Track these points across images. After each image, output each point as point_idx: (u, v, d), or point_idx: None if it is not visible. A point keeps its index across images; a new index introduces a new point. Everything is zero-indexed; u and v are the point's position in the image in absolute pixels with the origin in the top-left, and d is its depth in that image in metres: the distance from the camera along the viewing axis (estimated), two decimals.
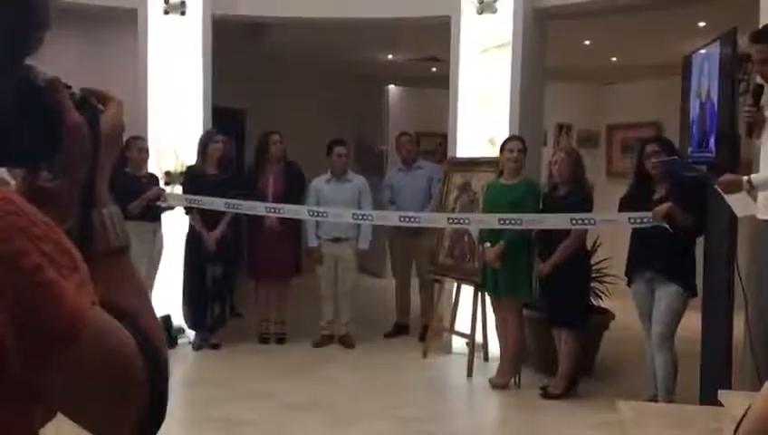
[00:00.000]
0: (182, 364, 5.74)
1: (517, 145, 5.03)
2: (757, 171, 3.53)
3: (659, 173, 4.35)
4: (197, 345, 5.88)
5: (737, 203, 3.54)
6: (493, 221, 4.93)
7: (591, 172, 6.86)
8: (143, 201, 5.46)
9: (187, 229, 5.82)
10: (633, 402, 3.98)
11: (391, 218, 5.78)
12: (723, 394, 3.39)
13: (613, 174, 8.51)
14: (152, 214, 5.58)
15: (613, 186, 7.34)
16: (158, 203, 5.59)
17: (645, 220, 4.30)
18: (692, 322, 4.42)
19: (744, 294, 3.85)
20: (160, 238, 5.70)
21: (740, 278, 3.85)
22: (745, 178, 3.35)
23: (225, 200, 5.48)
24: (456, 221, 5.34)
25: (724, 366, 3.92)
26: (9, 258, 0.67)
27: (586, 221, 4.66)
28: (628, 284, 4.55)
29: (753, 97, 3.47)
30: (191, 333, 5.95)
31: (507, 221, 4.81)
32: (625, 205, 4.59)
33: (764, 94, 3.52)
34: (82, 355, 0.71)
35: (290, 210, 5.60)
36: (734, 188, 3.40)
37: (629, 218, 4.41)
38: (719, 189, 3.53)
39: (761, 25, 3.83)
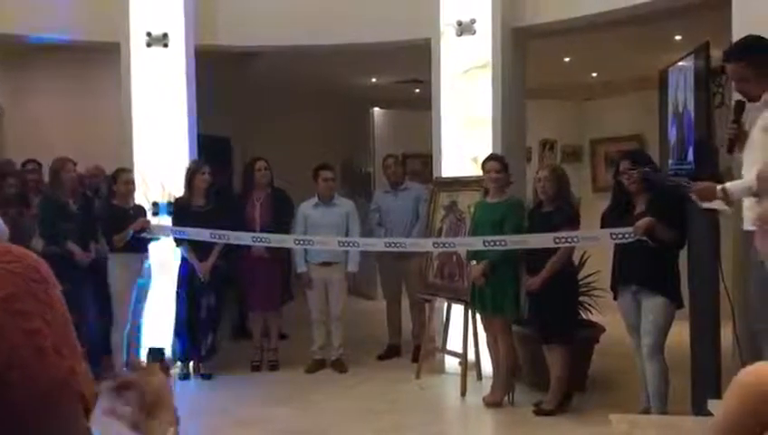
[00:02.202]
0: (174, 395, 5.71)
1: (494, 166, 5.07)
2: None
3: (636, 187, 4.39)
4: (188, 375, 5.85)
5: (709, 205, 3.58)
6: (478, 243, 4.96)
7: (577, 187, 6.93)
8: (127, 233, 5.47)
9: (178, 260, 5.82)
10: (626, 415, 3.98)
11: (377, 245, 5.80)
12: (713, 404, 3.41)
13: (599, 188, 8.58)
14: (139, 245, 5.59)
15: (599, 200, 7.38)
16: (144, 234, 5.60)
17: (626, 236, 4.34)
18: (681, 332, 4.45)
19: (731, 304, 3.89)
20: (148, 269, 5.70)
21: (725, 288, 3.89)
22: (719, 186, 3.39)
23: (210, 231, 5.50)
24: (442, 245, 5.38)
25: (713, 376, 3.95)
26: (13, 312, 0.71)
27: (569, 239, 4.70)
28: (614, 297, 4.58)
29: (735, 113, 3.52)
30: (180, 364, 5.93)
31: (492, 242, 4.85)
32: (606, 219, 4.62)
33: (745, 110, 3.56)
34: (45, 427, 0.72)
35: (276, 239, 5.63)
36: (709, 195, 3.44)
37: (611, 234, 4.44)
38: (694, 197, 3.57)
39: (734, 38, 3.90)
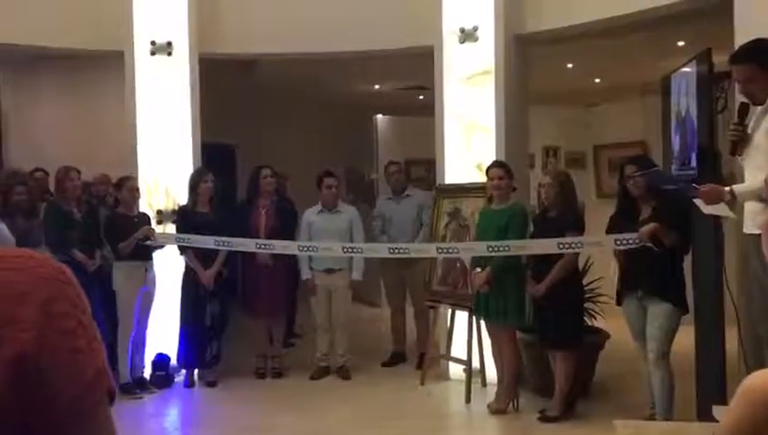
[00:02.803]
0: (179, 403, 5.72)
1: (498, 172, 5.07)
2: None
3: (642, 192, 4.40)
4: (192, 383, 5.86)
5: (712, 212, 3.58)
6: (482, 249, 4.96)
7: (581, 193, 6.92)
8: (133, 241, 5.49)
9: (182, 268, 5.83)
10: (631, 421, 3.98)
11: (381, 251, 5.81)
12: (718, 410, 3.40)
13: (603, 194, 8.57)
14: (144, 253, 5.60)
15: (603, 206, 7.37)
16: (149, 242, 5.62)
17: (631, 241, 4.34)
18: (686, 338, 4.44)
19: (735, 309, 3.88)
20: (153, 277, 5.71)
21: (730, 293, 3.89)
22: (727, 188, 3.39)
23: (214, 238, 5.52)
24: (445, 251, 5.38)
25: (718, 382, 3.94)
26: (51, 315, 0.73)
27: (573, 245, 4.69)
28: (618, 303, 4.58)
29: (739, 116, 3.52)
30: (184, 372, 5.94)
31: (496, 248, 4.85)
32: (613, 223, 4.62)
33: (748, 114, 3.57)
34: (84, 424, 0.74)
35: (280, 246, 5.64)
36: (716, 198, 3.44)
37: (615, 240, 4.44)
38: (699, 200, 3.56)
39: (736, 44, 3.91)
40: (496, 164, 5.20)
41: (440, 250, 5.43)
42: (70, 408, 0.73)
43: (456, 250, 5.33)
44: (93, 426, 0.76)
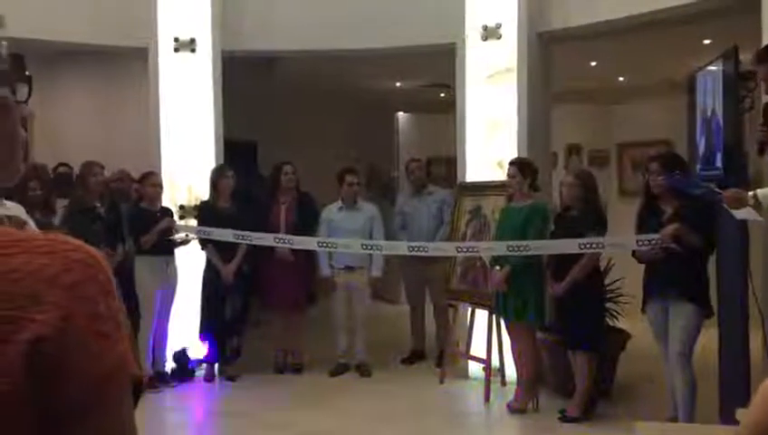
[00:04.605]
0: (199, 397, 5.76)
1: (510, 170, 5.05)
2: None
3: (664, 192, 4.34)
4: (213, 377, 5.90)
5: (742, 217, 3.53)
6: (501, 248, 4.93)
7: (603, 191, 6.86)
8: (156, 233, 5.53)
9: (203, 263, 5.87)
10: (653, 423, 3.94)
11: (400, 248, 5.80)
12: (741, 413, 3.35)
13: (625, 192, 8.50)
14: (165, 247, 5.65)
15: (625, 204, 7.33)
16: (172, 237, 5.66)
17: (653, 242, 4.28)
18: (710, 340, 4.38)
19: (760, 311, 3.83)
20: (174, 271, 5.76)
21: (755, 295, 3.83)
22: (751, 193, 3.34)
23: (233, 232, 5.55)
24: (465, 250, 5.36)
25: (742, 384, 3.89)
26: (79, 298, 0.74)
27: (594, 245, 4.65)
28: (642, 310, 4.51)
29: (764, 116, 3.47)
30: (205, 366, 5.98)
31: (516, 248, 4.82)
32: (641, 220, 4.54)
33: None
34: (102, 412, 0.75)
35: (299, 241, 5.65)
36: (740, 203, 3.39)
37: (638, 241, 4.39)
38: (725, 205, 3.52)
39: (763, 42, 3.85)
40: (511, 162, 5.17)
41: (460, 249, 5.41)
42: (91, 391, 0.73)
43: (475, 249, 5.31)
44: (114, 412, 0.76)
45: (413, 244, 5.74)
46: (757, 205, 3.30)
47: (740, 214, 3.50)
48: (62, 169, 6.07)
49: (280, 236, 5.71)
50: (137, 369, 0.78)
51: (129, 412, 0.78)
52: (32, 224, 4.06)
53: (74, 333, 0.73)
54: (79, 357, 0.72)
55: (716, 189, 3.61)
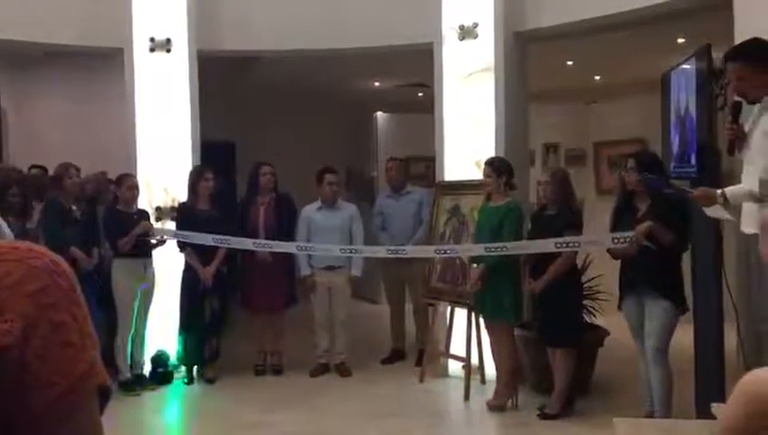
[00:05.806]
0: (178, 399, 5.73)
1: (485, 170, 5.09)
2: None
3: (637, 188, 4.39)
4: (192, 379, 5.86)
5: (713, 214, 3.58)
6: (479, 250, 4.96)
7: (580, 190, 6.92)
8: (132, 237, 5.49)
9: (182, 265, 5.83)
10: (630, 419, 3.97)
11: (379, 252, 5.81)
12: (716, 407, 3.40)
13: (602, 191, 8.57)
14: (142, 250, 5.60)
15: (603, 202, 7.39)
16: (148, 238, 5.62)
17: (627, 239, 4.33)
18: (685, 336, 4.43)
19: (734, 307, 3.87)
20: (152, 274, 5.71)
21: (729, 291, 3.88)
22: (719, 190, 3.38)
23: (213, 236, 5.51)
24: (443, 252, 5.39)
25: (717, 379, 3.94)
26: (43, 306, 0.73)
27: (570, 244, 4.69)
28: (619, 306, 4.56)
29: (733, 114, 3.51)
30: (183, 368, 5.94)
31: (493, 249, 4.85)
32: (617, 217, 4.59)
33: (743, 111, 3.56)
34: (64, 419, 0.73)
35: (278, 245, 5.64)
36: (709, 201, 3.43)
37: (613, 239, 4.43)
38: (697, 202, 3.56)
39: (736, 40, 3.90)
40: (486, 162, 5.19)
41: (438, 251, 5.44)
42: (57, 401, 0.72)
43: (454, 251, 5.34)
44: (79, 421, 0.75)
45: (392, 247, 5.76)
46: (726, 203, 3.34)
47: (710, 212, 3.54)
48: (34, 171, 5.99)
49: (259, 241, 5.70)
50: (103, 376, 0.77)
51: (95, 421, 0.77)
52: (5, 228, 4.01)
53: (37, 343, 0.71)
54: (42, 367, 0.71)
55: (687, 188, 3.66)
